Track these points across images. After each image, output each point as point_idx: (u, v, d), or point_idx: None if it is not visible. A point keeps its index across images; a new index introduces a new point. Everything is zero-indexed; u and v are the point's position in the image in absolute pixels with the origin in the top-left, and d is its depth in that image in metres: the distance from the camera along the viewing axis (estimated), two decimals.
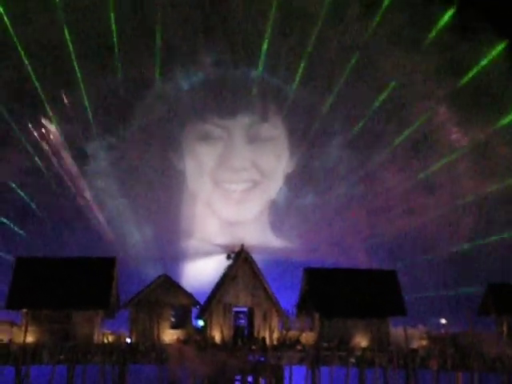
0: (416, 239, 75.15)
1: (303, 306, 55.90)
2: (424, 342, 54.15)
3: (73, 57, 76.07)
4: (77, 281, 52.18)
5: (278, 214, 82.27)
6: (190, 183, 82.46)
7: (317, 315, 53.80)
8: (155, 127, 79.88)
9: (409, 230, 75.36)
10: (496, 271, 64.69)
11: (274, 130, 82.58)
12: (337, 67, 79.26)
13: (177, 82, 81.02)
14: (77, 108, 77.28)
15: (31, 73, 75.16)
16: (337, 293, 54.20)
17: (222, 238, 70.51)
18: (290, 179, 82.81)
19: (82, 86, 76.80)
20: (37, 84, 75.52)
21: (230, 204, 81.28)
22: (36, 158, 76.42)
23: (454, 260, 71.75)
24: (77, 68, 76.23)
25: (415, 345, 53.14)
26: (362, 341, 53.10)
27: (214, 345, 51.44)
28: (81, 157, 79.01)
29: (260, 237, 77.66)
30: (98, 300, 51.80)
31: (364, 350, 51.55)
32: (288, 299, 56.71)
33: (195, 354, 47.57)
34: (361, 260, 71.91)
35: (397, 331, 53.13)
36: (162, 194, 78.93)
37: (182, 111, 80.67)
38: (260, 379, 49.06)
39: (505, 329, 55.83)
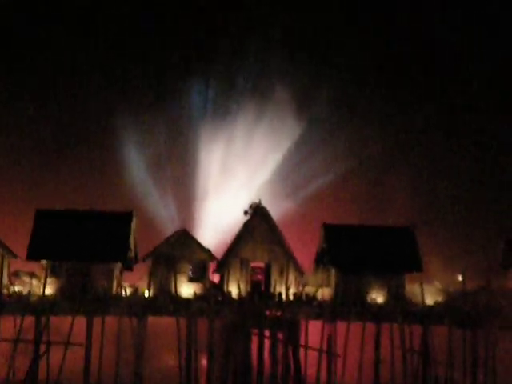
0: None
1: (320, 261, 56.11)
2: (440, 299, 54.27)
3: None
4: (95, 234, 52.69)
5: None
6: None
7: (333, 271, 53.96)
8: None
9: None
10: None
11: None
12: None
13: None
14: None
15: None
16: (354, 249, 54.30)
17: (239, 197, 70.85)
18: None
19: None
20: None
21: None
22: None
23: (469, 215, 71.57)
24: None
25: (431, 301, 53.29)
26: (378, 297, 53.27)
27: (231, 300, 51.76)
28: None
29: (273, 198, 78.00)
30: (116, 253, 52.27)
31: (380, 305, 51.83)
32: (305, 255, 56.91)
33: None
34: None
35: (413, 287, 53.29)
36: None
37: None
38: (277, 333, 49.34)
39: None
